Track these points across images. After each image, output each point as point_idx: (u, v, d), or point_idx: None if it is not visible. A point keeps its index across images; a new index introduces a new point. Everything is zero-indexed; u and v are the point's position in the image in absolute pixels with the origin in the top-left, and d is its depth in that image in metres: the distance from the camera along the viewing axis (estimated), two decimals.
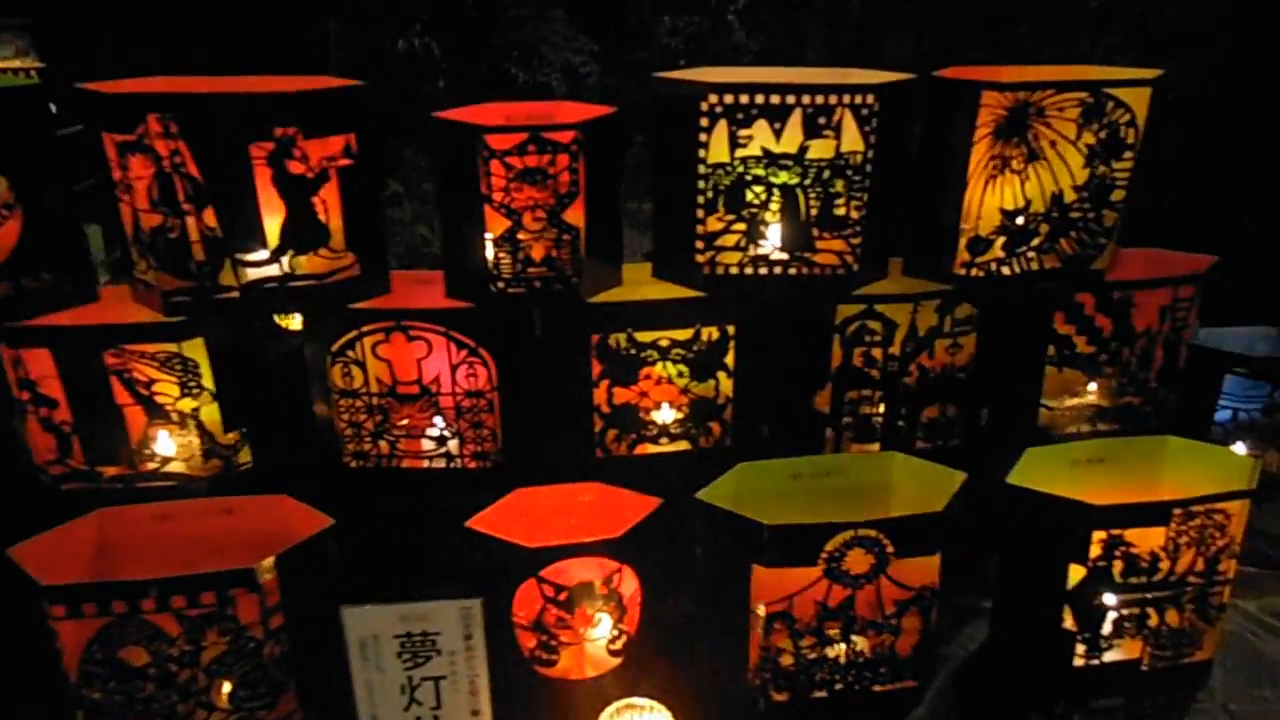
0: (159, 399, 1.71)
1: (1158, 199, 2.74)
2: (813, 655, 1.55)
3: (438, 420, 1.86)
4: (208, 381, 1.72)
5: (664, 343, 1.81)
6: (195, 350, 1.69)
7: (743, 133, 1.64)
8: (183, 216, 1.55)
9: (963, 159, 1.68)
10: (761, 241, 1.73)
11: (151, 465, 1.75)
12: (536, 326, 1.84)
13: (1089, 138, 1.70)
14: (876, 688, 1.59)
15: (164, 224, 1.57)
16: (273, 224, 1.61)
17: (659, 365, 1.82)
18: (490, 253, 1.68)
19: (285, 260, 1.63)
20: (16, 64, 5.42)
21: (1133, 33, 2.97)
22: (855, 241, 1.73)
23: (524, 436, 1.87)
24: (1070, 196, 1.74)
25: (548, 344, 1.80)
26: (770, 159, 1.66)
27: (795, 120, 1.63)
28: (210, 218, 1.55)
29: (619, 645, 1.60)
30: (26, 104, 1.59)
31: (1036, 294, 1.83)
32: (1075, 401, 1.95)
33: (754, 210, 1.70)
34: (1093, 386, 1.97)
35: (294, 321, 2.16)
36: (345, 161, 1.63)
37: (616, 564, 1.55)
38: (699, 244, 1.73)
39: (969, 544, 1.63)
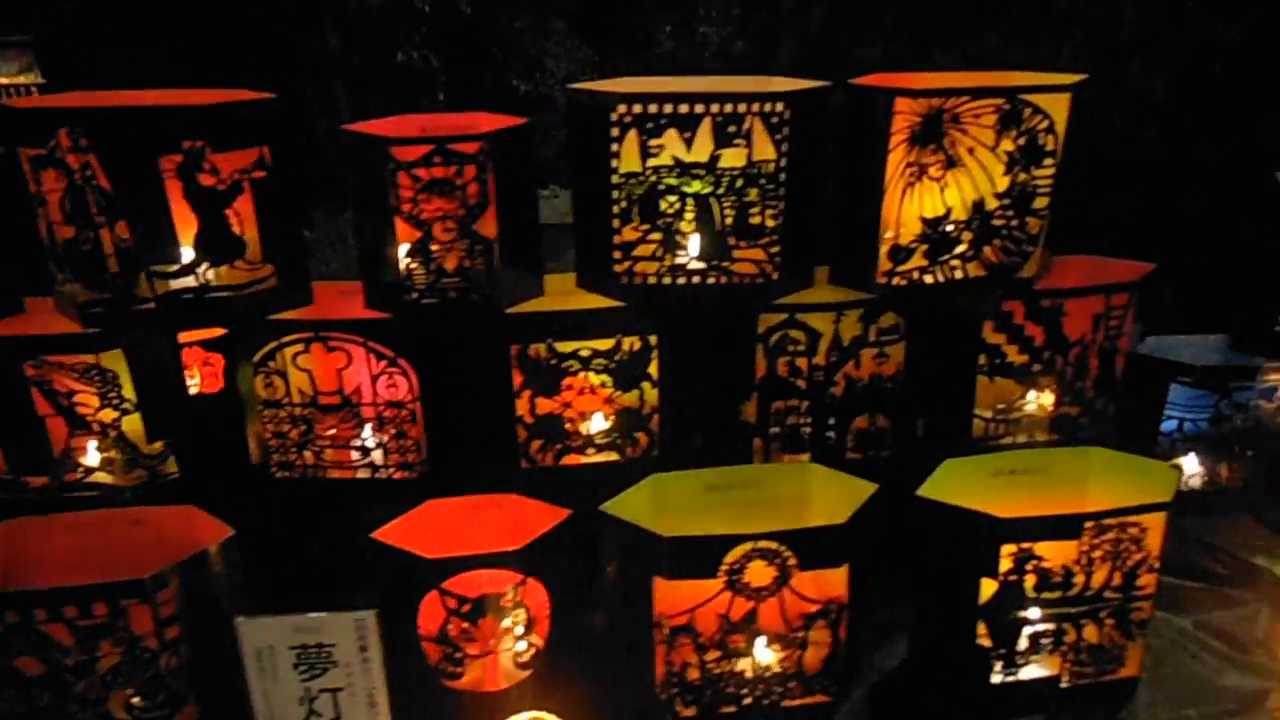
0: (80, 410, 1.73)
1: (1123, 203, 2.71)
2: (718, 669, 1.53)
3: (365, 431, 1.87)
4: (129, 392, 1.73)
5: (585, 353, 1.80)
6: (114, 361, 1.71)
7: (653, 142, 1.63)
8: (96, 229, 1.57)
9: (879, 166, 1.66)
10: (679, 251, 1.72)
11: (76, 476, 1.77)
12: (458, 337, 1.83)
13: (1008, 144, 1.67)
14: (786, 702, 1.57)
15: (78, 236, 1.59)
16: (187, 236, 1.62)
17: (581, 375, 1.81)
18: (403, 264, 1.68)
19: (201, 272, 1.64)
20: (20, 80, 5.52)
21: (1097, 38, 2.93)
22: (774, 250, 1.72)
23: (449, 447, 1.87)
24: (992, 204, 1.72)
25: (468, 354, 1.79)
26: (682, 168, 1.65)
27: (705, 129, 1.62)
28: (123, 230, 1.57)
29: (528, 658, 1.59)
30: None
31: (963, 302, 1.80)
32: (1011, 412, 1.92)
33: (669, 220, 1.69)
34: (1031, 396, 1.94)
35: None
36: (259, 174, 1.64)
37: (521, 576, 1.55)
38: (616, 254, 1.73)
39: (895, 556, 1.61)
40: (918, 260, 1.74)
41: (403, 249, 1.68)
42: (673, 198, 1.68)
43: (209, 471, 1.83)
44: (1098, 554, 1.51)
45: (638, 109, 1.61)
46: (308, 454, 1.85)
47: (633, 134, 1.63)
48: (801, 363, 1.84)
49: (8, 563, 1.53)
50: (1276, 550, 2.02)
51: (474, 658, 1.57)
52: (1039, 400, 1.93)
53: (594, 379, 1.82)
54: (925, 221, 1.71)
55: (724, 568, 1.46)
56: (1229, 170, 2.21)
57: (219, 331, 1.85)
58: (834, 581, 1.52)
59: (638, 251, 1.72)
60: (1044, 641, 1.56)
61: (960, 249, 1.74)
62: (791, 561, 1.48)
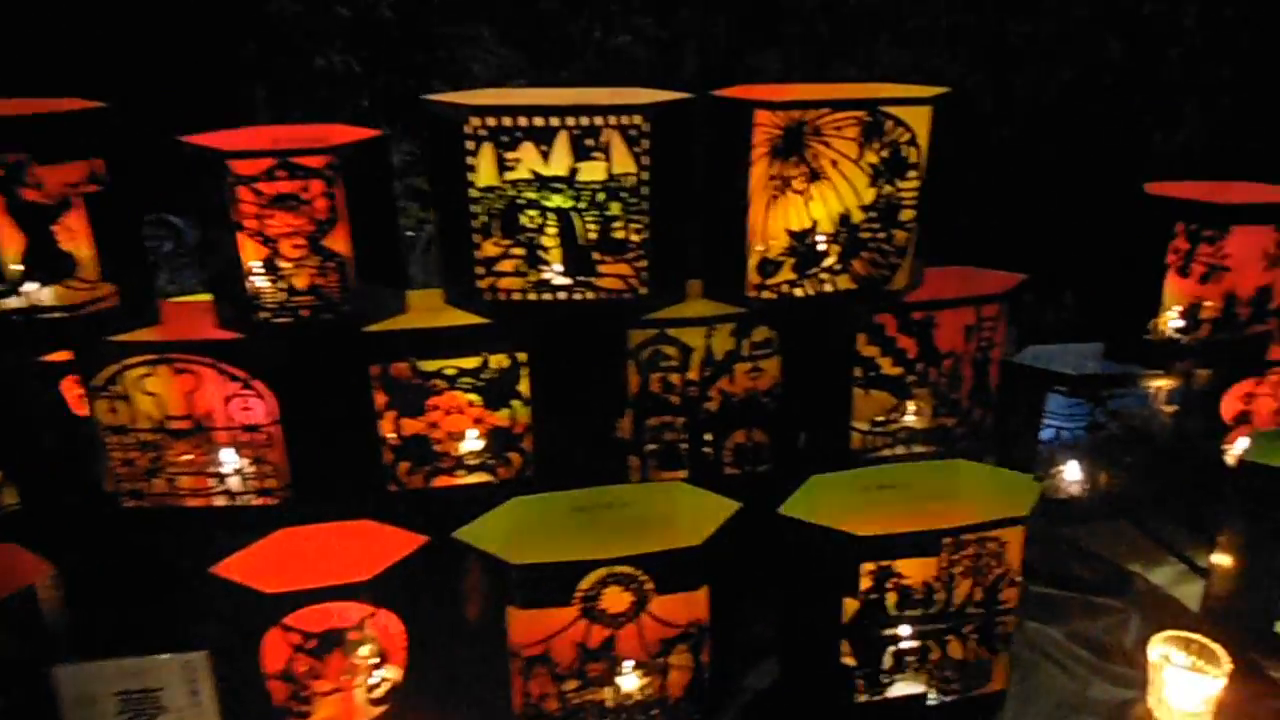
0: None
1: (1013, 212, 2.75)
2: (578, 699, 1.49)
3: (224, 456, 1.78)
4: None
5: (451, 371, 1.74)
6: None
7: (509, 155, 1.59)
8: None
9: (742, 179, 1.64)
10: (542, 266, 1.67)
11: None
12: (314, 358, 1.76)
13: (871, 157, 1.66)
14: None
15: None
16: (12, 253, 1.53)
17: (448, 395, 1.76)
18: (251, 282, 1.61)
19: (32, 291, 1.55)
20: None
21: (987, 48, 2.97)
22: (640, 265, 1.68)
23: (312, 471, 1.79)
24: (858, 216, 1.71)
25: (326, 375, 1.72)
26: (541, 182, 1.61)
27: (562, 142, 1.58)
28: None
29: (382, 693, 1.53)
30: None
31: (833, 315, 1.79)
32: (888, 424, 1.91)
33: (530, 235, 1.65)
34: (911, 408, 1.94)
35: None
36: (92, 188, 1.55)
37: (372, 607, 1.48)
38: (479, 269, 1.67)
39: (773, 573, 1.58)
40: (786, 273, 1.72)
41: (253, 266, 1.61)
42: (533, 212, 1.63)
43: (51, 503, 1.73)
44: (958, 570, 1.50)
45: (492, 122, 1.56)
46: (159, 482, 1.76)
47: (488, 147, 1.58)
48: (675, 378, 1.80)
49: None
50: (1151, 557, 2.05)
51: (324, 695, 1.49)
52: (916, 412, 1.92)
53: (462, 398, 1.77)
54: (792, 234, 1.70)
55: (578, 594, 1.42)
56: (1112, 181, 2.25)
57: None
58: (694, 604, 1.49)
59: (501, 267, 1.68)
60: (909, 659, 1.54)
61: (828, 262, 1.73)
62: (648, 586, 1.44)
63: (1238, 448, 2.06)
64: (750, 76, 3.18)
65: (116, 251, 1.60)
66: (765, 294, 1.72)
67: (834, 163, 1.66)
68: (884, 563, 1.47)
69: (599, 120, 1.56)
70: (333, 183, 1.56)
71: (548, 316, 1.70)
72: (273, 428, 1.73)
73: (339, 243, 1.61)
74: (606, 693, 1.49)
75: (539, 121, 1.56)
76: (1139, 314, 1.99)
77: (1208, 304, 1.95)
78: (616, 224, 1.65)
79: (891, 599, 1.50)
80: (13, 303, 1.55)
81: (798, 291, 1.74)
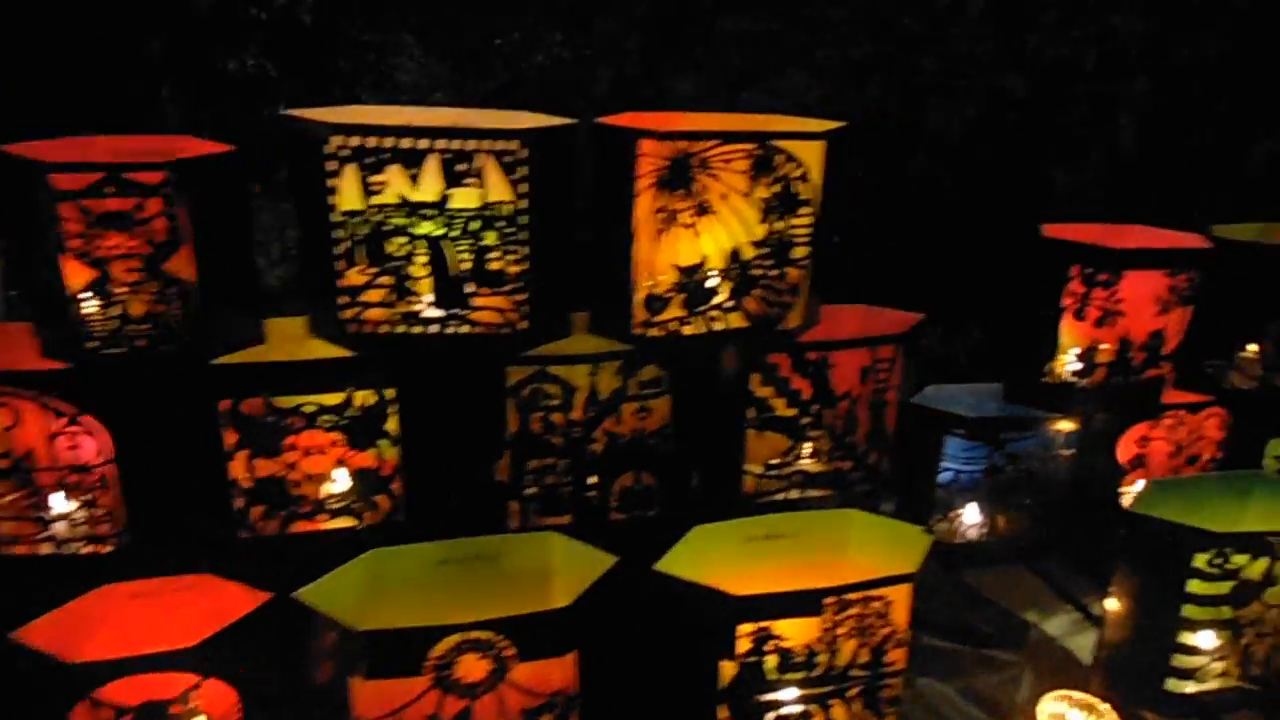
0: None
1: (918, 249, 2.74)
2: None
3: (52, 500, 1.60)
4: None
5: (310, 408, 1.60)
6: None
7: (374, 179, 1.46)
8: None
9: (627, 211, 1.54)
10: (411, 297, 1.55)
11: None
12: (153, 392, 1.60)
13: (762, 191, 1.59)
14: None
15: None
16: None
17: (306, 433, 1.61)
18: (78, 308, 1.45)
19: None
20: None
21: (897, 85, 2.98)
22: (519, 298, 1.58)
23: (152, 516, 1.62)
24: (749, 252, 1.63)
25: (168, 411, 1.56)
26: (410, 208, 1.49)
27: (433, 166, 1.47)
28: None
29: None
30: None
31: (722, 355, 1.71)
32: (783, 467, 1.84)
33: (398, 263, 1.52)
34: (806, 450, 1.87)
35: None
36: None
37: (198, 677, 1.33)
38: (343, 298, 1.54)
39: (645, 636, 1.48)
40: (675, 310, 1.64)
41: (79, 291, 1.45)
42: (401, 239, 1.51)
43: None
44: (842, 630, 1.42)
45: (355, 141, 1.44)
46: None
47: (352, 169, 1.46)
48: (557, 418, 1.69)
49: None
50: (1045, 604, 2.02)
51: None
52: (811, 455, 1.85)
53: (324, 437, 1.62)
54: (680, 270, 1.61)
55: (430, 663, 1.29)
56: (1013, 220, 2.25)
57: None
58: (561, 671, 1.37)
59: (366, 297, 1.55)
60: None
61: (719, 299, 1.65)
62: (509, 652, 1.32)
63: (1133, 491, 2.05)
64: (660, 101, 3.11)
65: None
66: (653, 331, 1.63)
67: (724, 196, 1.58)
68: (763, 624, 1.38)
69: (472, 144, 1.45)
70: (173, 201, 1.42)
71: (418, 350, 1.57)
72: (106, 468, 1.57)
73: (182, 267, 1.46)
74: None
75: (406, 143, 1.44)
76: (1036, 356, 1.96)
77: (1104, 347, 1.93)
78: (493, 254, 1.54)
79: (771, 662, 1.41)
80: None
81: (687, 329, 1.65)
